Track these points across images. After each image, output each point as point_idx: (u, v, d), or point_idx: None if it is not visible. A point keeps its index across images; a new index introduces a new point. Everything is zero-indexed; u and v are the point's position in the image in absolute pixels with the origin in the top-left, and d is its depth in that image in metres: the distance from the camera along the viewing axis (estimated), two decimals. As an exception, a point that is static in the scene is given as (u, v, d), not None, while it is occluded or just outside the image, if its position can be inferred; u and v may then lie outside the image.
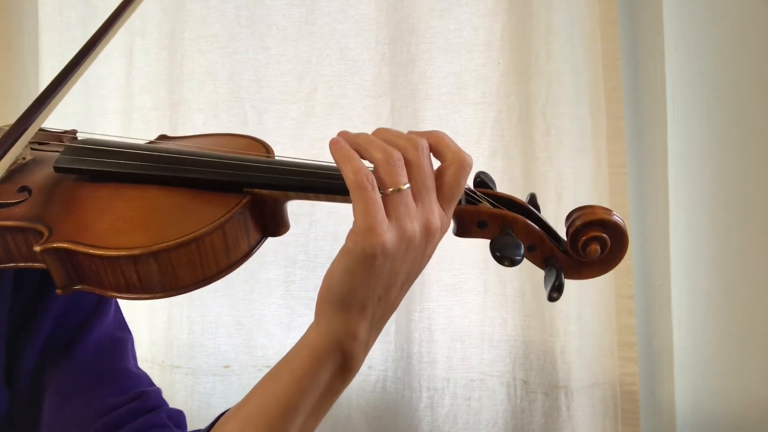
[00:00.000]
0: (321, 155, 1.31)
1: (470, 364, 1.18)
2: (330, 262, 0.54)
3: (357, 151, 0.53)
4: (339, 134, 0.56)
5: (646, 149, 1.16)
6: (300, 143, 1.22)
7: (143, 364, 1.25)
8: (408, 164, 0.53)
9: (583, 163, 1.13)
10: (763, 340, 1.12)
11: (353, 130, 1.35)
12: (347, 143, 0.54)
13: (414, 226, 0.52)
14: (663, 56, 1.13)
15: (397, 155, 0.52)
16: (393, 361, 1.21)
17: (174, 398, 1.22)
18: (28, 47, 1.33)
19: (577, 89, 1.13)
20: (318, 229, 1.21)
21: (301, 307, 1.22)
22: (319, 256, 1.22)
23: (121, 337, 0.73)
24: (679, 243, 1.15)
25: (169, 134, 1.25)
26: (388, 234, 0.51)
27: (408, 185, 0.52)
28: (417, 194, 0.53)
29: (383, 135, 0.55)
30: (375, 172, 0.52)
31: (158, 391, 0.71)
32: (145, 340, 1.27)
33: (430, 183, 0.54)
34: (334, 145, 0.54)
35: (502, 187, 1.22)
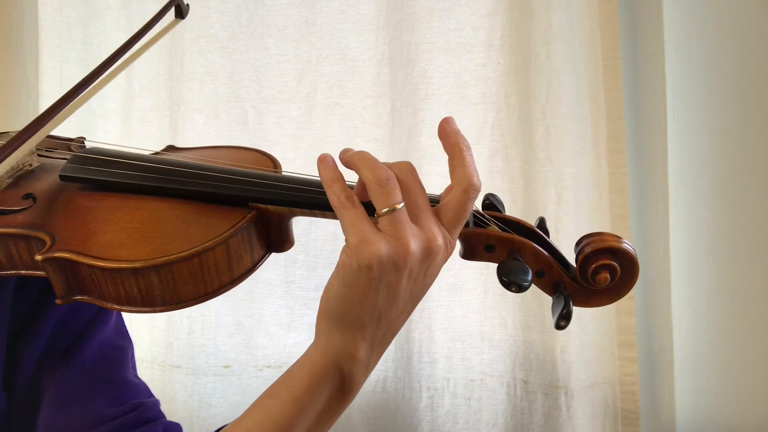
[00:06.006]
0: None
1: (470, 364, 1.18)
2: (330, 262, 0.54)
3: (350, 168, 0.54)
4: (342, 151, 0.55)
5: (646, 149, 1.16)
6: (300, 143, 1.22)
7: (143, 364, 1.26)
8: (401, 184, 0.53)
9: (583, 163, 1.13)
10: (763, 340, 1.12)
11: (353, 130, 1.35)
12: (333, 162, 0.54)
13: (411, 243, 0.51)
14: (663, 56, 1.13)
15: (387, 174, 0.52)
16: (393, 361, 1.21)
17: (174, 398, 1.22)
18: (28, 47, 1.33)
19: (577, 89, 1.13)
20: (318, 229, 1.21)
21: (301, 307, 1.22)
22: (319, 256, 1.21)
23: (121, 346, 0.73)
24: (679, 243, 1.15)
25: (170, 135, 1.25)
26: (381, 244, 0.50)
27: (402, 204, 0.52)
28: (411, 214, 0.52)
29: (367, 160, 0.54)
30: (369, 193, 0.52)
31: (156, 403, 0.71)
32: (145, 340, 1.27)
33: (422, 202, 0.53)
34: (321, 163, 0.55)
35: (502, 187, 1.22)
